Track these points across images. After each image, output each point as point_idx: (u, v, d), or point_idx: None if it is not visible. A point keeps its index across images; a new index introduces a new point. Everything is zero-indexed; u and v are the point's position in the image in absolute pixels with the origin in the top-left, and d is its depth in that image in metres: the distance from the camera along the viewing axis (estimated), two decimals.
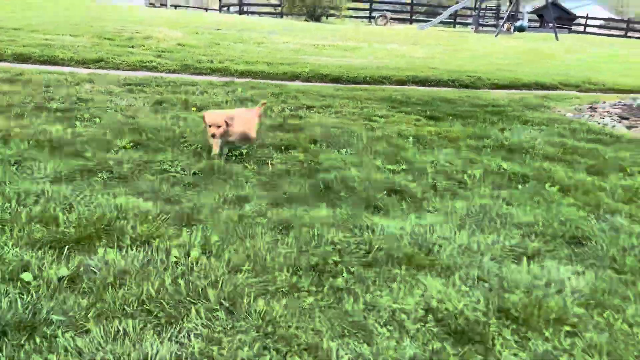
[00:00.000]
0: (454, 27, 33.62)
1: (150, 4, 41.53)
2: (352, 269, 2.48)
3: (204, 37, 14.88)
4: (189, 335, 1.94)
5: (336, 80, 9.05)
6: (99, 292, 2.14)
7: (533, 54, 16.10)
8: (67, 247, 2.46)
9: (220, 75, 8.92)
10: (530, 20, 32.26)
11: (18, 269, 2.25)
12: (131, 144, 4.09)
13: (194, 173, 3.62)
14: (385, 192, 3.49)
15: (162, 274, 2.29)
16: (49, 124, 4.45)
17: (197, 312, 2.06)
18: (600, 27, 37.58)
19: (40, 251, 2.40)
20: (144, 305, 2.07)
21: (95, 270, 2.30)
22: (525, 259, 2.70)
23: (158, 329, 1.96)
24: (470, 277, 2.49)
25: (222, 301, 2.14)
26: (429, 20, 30.25)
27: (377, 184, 3.60)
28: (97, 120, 4.75)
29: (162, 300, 2.10)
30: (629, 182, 4.01)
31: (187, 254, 2.47)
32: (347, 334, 2.03)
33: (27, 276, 2.20)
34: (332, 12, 30.90)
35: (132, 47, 11.23)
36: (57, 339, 1.86)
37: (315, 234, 2.79)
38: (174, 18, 21.98)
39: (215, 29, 17.73)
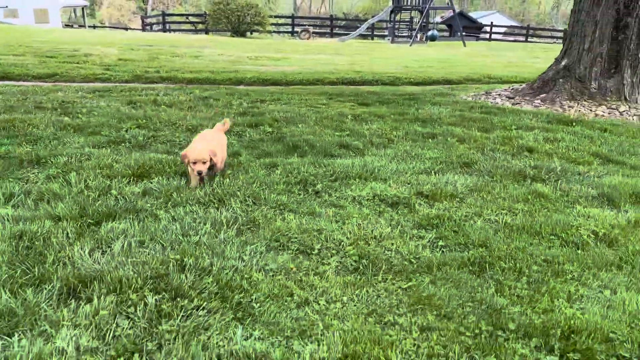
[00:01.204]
0: (372, 39, 36.12)
1: (67, 25, 41.06)
2: (324, 182, 3.85)
3: (140, 53, 15.74)
4: (234, 209, 3.22)
5: (276, 83, 10.42)
6: (161, 196, 3.37)
7: (443, 59, 18.33)
8: (131, 178, 3.66)
9: (170, 82, 10.01)
10: (440, 30, 35.42)
11: (105, 188, 3.43)
12: (134, 126, 5.24)
13: None
14: (337, 146, 4.90)
15: (200, 188, 3.56)
16: (58, 116, 5.49)
17: (234, 202, 3.34)
18: (504, 34, 41.71)
19: (115, 180, 3.58)
20: (194, 202, 3.33)
21: (155, 188, 3.52)
22: (433, 173, 4.20)
23: (211, 209, 3.23)
24: (399, 182, 3.93)
25: (247, 198, 3.43)
26: (348, 34, 32.47)
27: (330, 143, 5.00)
28: (94, 113, 5.83)
29: (210, 196, 3.37)
30: (506, 133, 5.68)
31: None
32: (327, 207, 3.40)
33: (114, 192, 3.39)
34: (256, 27, 32.31)
35: (77, 63, 12.03)
36: (157, 212, 3.08)
37: (294, 168, 4.14)
38: (102, 37, 22.48)
39: (147, 45, 18.59)
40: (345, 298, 2.23)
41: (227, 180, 3.71)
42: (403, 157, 4.66)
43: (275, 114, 6.25)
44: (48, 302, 2.07)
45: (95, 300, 2.06)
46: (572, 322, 2.04)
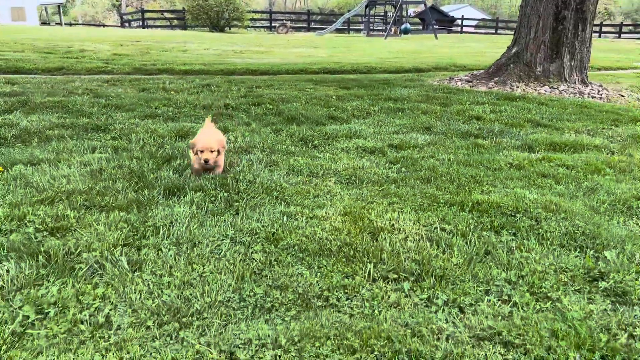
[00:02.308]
0: (348, 33, 37.56)
1: (43, 23, 41.46)
2: (319, 140, 5.20)
3: (131, 48, 16.84)
4: (258, 155, 4.55)
5: (264, 73, 11.72)
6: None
7: (414, 51, 19.83)
8: (175, 137, 4.96)
9: (168, 74, 11.21)
10: (413, 23, 37.04)
11: (160, 143, 4.72)
12: (161, 105, 6.51)
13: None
14: (326, 118, 6.26)
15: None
16: (92, 99, 6.73)
17: (257, 151, 4.66)
18: (475, 26, 43.65)
19: (165, 138, 4.88)
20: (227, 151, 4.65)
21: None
22: (401, 133, 5.59)
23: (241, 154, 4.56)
24: (376, 139, 5.30)
25: (265, 149, 4.75)
26: (325, 28, 33.83)
27: (320, 115, 6.35)
28: (122, 96, 7.07)
29: (238, 148, 4.68)
30: (460, 107, 7.11)
31: (236, 139, 5.06)
32: (324, 154, 4.75)
33: (167, 146, 4.67)
34: (234, 22, 33.44)
35: (77, 58, 13.14)
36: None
37: (295, 131, 5.48)
38: (87, 34, 23.39)
39: (135, 41, 19.64)
40: (342, 193, 3.60)
41: (248, 137, 5.04)
42: (378, 124, 6.04)
43: (272, 96, 7.58)
44: (158, 196, 3.38)
45: (189, 195, 3.38)
46: (479, 199, 3.44)
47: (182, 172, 3.90)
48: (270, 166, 4.24)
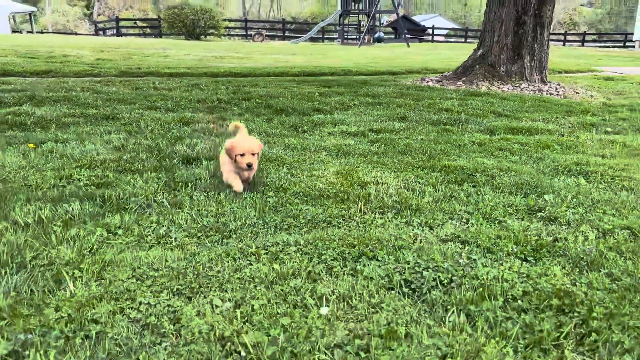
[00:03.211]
0: (323, 41, 38.55)
1: (15, 31, 41.35)
2: (308, 126, 5.91)
3: (112, 54, 17.32)
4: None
5: (247, 75, 12.41)
6: (204, 130, 5.34)
7: (388, 57, 20.80)
8: (179, 124, 5.61)
9: (154, 76, 11.80)
10: (386, 32, 38.26)
11: (166, 128, 5.36)
12: (159, 99, 7.14)
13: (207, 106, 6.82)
14: (311, 110, 6.98)
15: None
16: (93, 94, 7.31)
17: (254, 135, 5.35)
18: (445, 35, 45.20)
19: (170, 124, 5.52)
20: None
21: (197, 129, 5.48)
22: (379, 122, 6.35)
23: None
24: (357, 125, 6.04)
25: (261, 132, 5.44)
26: (300, 36, 34.72)
27: (307, 108, 7.07)
28: (120, 93, 7.67)
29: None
30: (431, 101, 7.93)
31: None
32: (313, 136, 5.47)
33: (174, 129, 5.32)
34: (210, 31, 34.05)
35: (61, 62, 13.60)
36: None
37: (285, 120, 6.18)
38: (64, 42, 23.71)
39: (114, 48, 20.10)
40: (333, 162, 4.32)
41: (244, 125, 5.72)
42: (359, 114, 6.80)
43: (259, 92, 8.28)
44: (178, 164, 4.04)
45: (204, 163, 4.05)
46: (447, 164, 4.21)
47: (194, 148, 4.57)
48: (267, 144, 4.93)
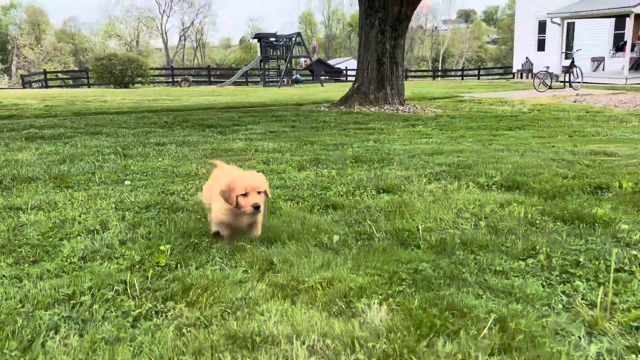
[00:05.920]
0: (247, 85, 42.73)
1: None
2: (229, 131, 9.60)
3: (55, 101, 20.27)
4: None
5: (181, 110, 15.97)
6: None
7: (301, 94, 25.07)
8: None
9: (104, 114, 15.08)
10: (304, 75, 43.08)
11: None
12: (130, 121, 10.64)
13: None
14: (232, 125, 10.71)
15: None
16: (85, 124, 10.69)
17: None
18: None
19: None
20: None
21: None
22: (277, 129, 10.17)
23: None
24: (263, 130, 9.82)
25: (199, 136, 9.07)
26: (224, 81, 38.71)
27: (229, 124, 10.79)
28: (106, 119, 11.06)
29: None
30: (315, 117, 11.87)
31: None
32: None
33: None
34: (138, 79, 37.30)
35: (16, 109, 16.59)
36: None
37: (214, 130, 9.85)
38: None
39: (52, 97, 23.01)
40: (244, 143, 8.05)
41: (188, 135, 9.38)
42: (265, 126, 10.59)
43: (194, 117, 11.93)
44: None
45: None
46: (312, 140, 8.05)
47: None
48: (206, 143, 8.55)
